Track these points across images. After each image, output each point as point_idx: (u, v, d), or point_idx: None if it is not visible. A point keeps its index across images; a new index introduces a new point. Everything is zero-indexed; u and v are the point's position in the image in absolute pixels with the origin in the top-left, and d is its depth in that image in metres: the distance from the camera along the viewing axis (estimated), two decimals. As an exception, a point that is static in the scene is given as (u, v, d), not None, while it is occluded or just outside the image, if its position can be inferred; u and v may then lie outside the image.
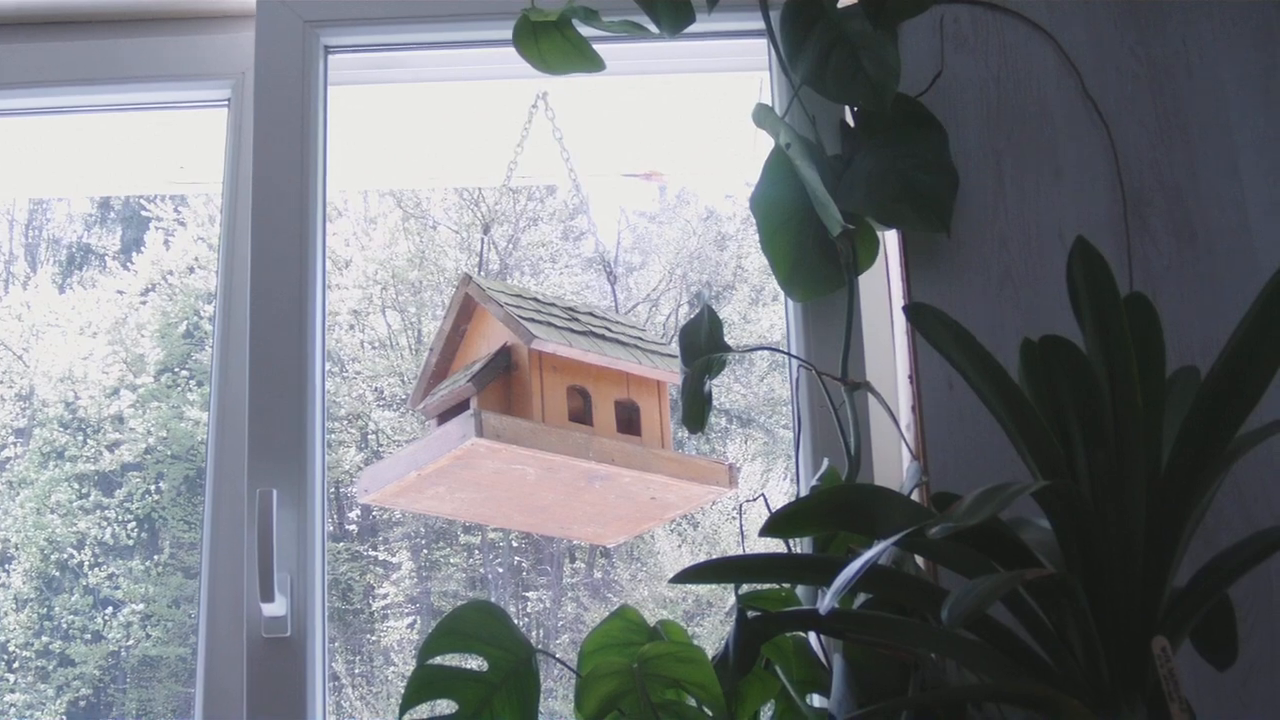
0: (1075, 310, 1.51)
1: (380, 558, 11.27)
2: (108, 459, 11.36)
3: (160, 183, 3.01)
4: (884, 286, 2.26)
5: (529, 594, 11.27)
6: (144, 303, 12.07)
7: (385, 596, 11.09)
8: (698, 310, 2.08)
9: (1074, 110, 2.20)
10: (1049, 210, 2.15)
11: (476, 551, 11.46)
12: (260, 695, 2.07)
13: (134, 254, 12.27)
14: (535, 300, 2.28)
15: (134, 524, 11.15)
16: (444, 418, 2.21)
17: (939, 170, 2.08)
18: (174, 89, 2.46)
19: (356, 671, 10.90)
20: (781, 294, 2.18)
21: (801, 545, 1.96)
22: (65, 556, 11.03)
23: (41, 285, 12.32)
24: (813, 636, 1.90)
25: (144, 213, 12.32)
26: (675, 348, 2.12)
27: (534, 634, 10.83)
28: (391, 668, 10.70)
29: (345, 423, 11.59)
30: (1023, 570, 1.43)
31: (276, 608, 2.07)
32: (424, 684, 1.74)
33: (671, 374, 2.28)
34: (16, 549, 11.07)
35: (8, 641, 10.74)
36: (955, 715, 1.62)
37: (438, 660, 1.76)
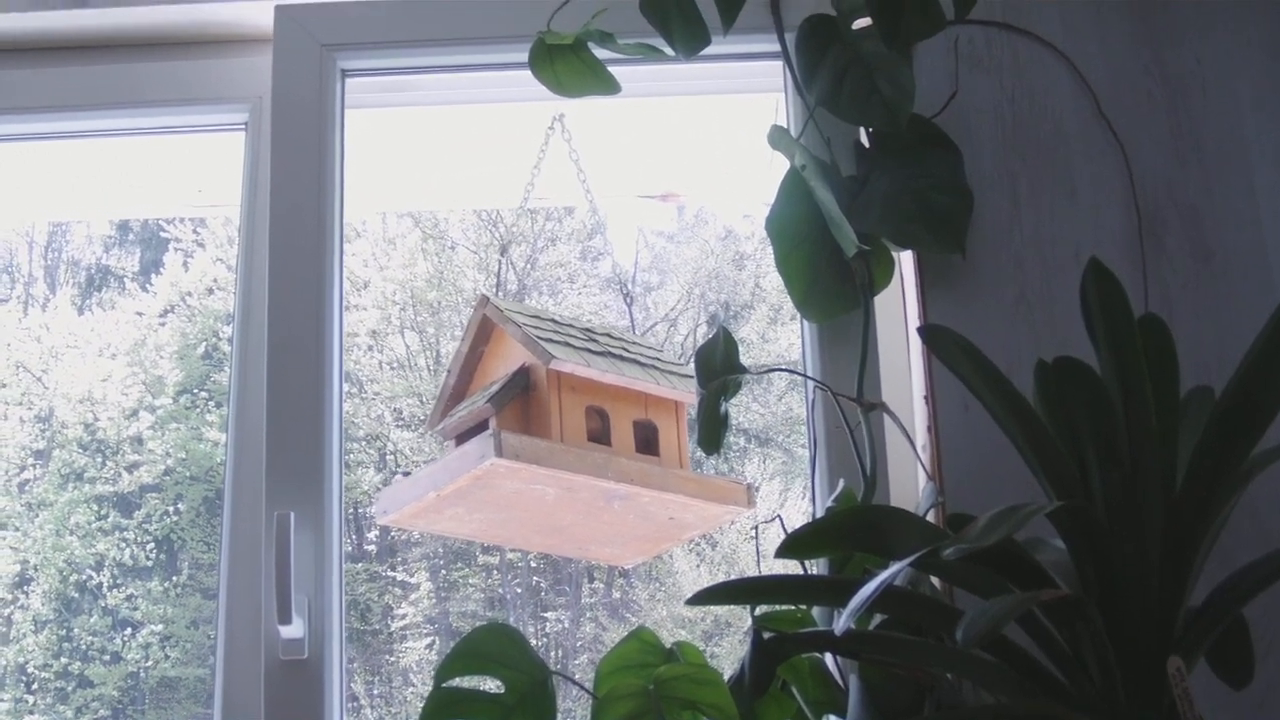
0: (1089, 331, 1.51)
1: (399, 578, 11.28)
2: (127, 480, 11.39)
3: (179, 205, 3.02)
4: (899, 307, 2.26)
5: (547, 614, 11.27)
6: (163, 324, 12.12)
7: (404, 617, 11.10)
8: (713, 332, 2.09)
9: (1089, 130, 2.20)
10: (1064, 231, 2.15)
11: (495, 572, 11.47)
12: (278, 717, 2.07)
13: (153, 275, 12.32)
14: (553, 321, 2.29)
15: (153, 545, 11.18)
16: (462, 438, 2.22)
17: (954, 191, 2.08)
18: (192, 113, 2.47)
19: (375, 692, 10.90)
20: (799, 314, 2.19)
21: (818, 566, 1.96)
22: (84, 578, 11.06)
23: (61, 307, 12.37)
24: (829, 657, 1.90)
25: (163, 234, 12.37)
26: (693, 367, 2.12)
27: (552, 654, 10.83)
28: (410, 688, 10.70)
29: (364, 443, 11.61)
30: (1038, 591, 1.43)
31: (294, 630, 2.08)
32: (441, 706, 1.75)
33: (689, 394, 2.28)
34: (36, 570, 11.10)
35: (27, 663, 10.76)
36: (972, 736, 1.62)
37: (454, 682, 1.76)
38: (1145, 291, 2.10)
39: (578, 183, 2.66)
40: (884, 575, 1.37)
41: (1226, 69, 2.22)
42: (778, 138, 2.15)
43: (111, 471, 11.45)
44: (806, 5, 2.21)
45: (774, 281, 11.73)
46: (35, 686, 10.72)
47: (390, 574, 11.29)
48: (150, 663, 10.76)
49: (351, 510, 11.08)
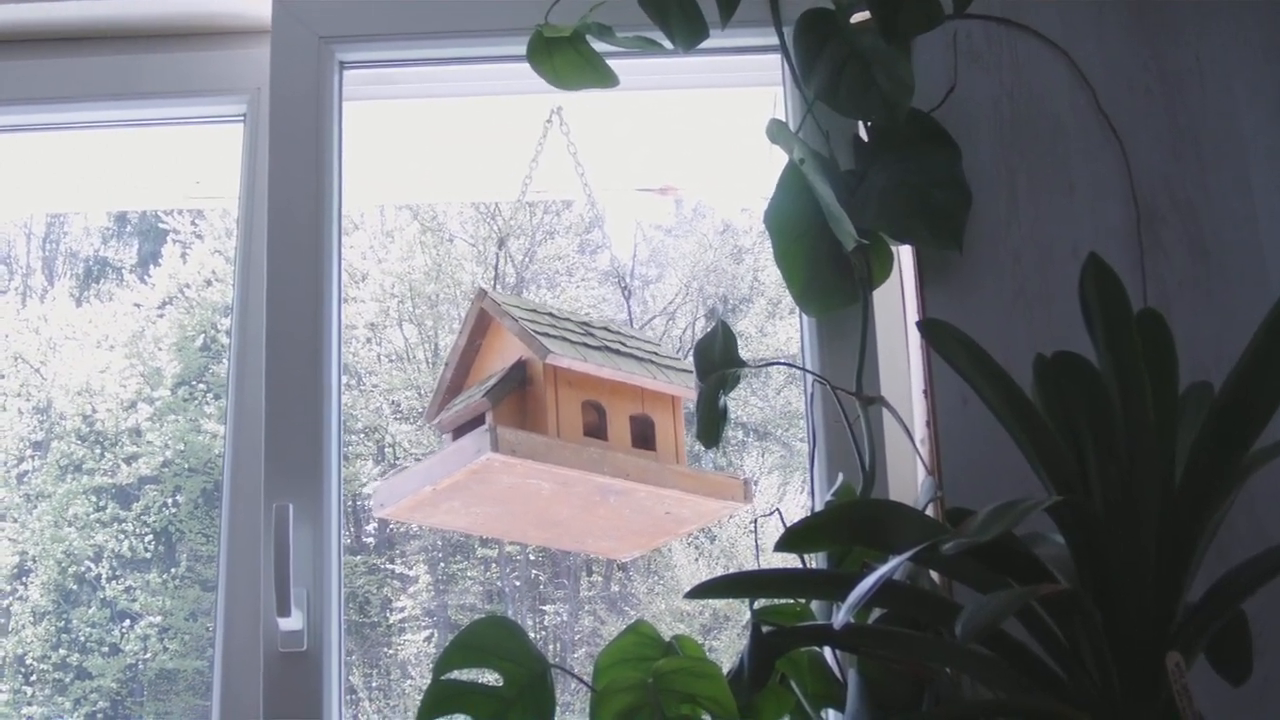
0: (1088, 326, 1.51)
1: (397, 571, 11.28)
2: (125, 472, 11.38)
3: (177, 197, 3.02)
4: (898, 301, 2.26)
5: (546, 607, 11.27)
6: (161, 316, 12.10)
7: (402, 610, 11.09)
8: (712, 325, 2.09)
9: (1087, 125, 2.20)
10: (1062, 226, 2.15)
11: (494, 565, 11.47)
12: (277, 709, 2.07)
13: (151, 267, 12.30)
14: (550, 315, 2.28)
15: (151, 537, 11.17)
16: (459, 432, 2.22)
17: (952, 186, 2.08)
18: (190, 105, 2.47)
19: (374, 685, 10.90)
20: (797, 307, 2.19)
21: (816, 560, 1.96)
22: (83, 569, 11.05)
23: (59, 298, 12.35)
24: (827, 651, 1.90)
25: (161, 226, 12.36)
26: (690, 363, 2.12)
27: (551, 648, 10.83)
28: (409, 681, 10.70)
29: (362, 436, 11.61)
30: (1036, 586, 1.43)
31: (293, 622, 2.08)
32: (439, 699, 1.75)
33: (686, 389, 2.28)
34: (34, 562, 11.09)
35: (25, 654, 10.75)
36: (969, 730, 1.62)
37: (453, 675, 1.76)
38: (1144, 287, 2.10)
39: (576, 176, 2.66)
40: (883, 570, 1.37)
41: (1225, 66, 2.22)
42: (776, 131, 2.15)
43: (110, 463, 11.44)
44: (805, -1, 2.21)
45: (772, 275, 11.71)
46: (34, 678, 10.71)
47: (389, 567, 11.29)
48: (149, 655, 10.76)
49: (350, 503, 11.08)
